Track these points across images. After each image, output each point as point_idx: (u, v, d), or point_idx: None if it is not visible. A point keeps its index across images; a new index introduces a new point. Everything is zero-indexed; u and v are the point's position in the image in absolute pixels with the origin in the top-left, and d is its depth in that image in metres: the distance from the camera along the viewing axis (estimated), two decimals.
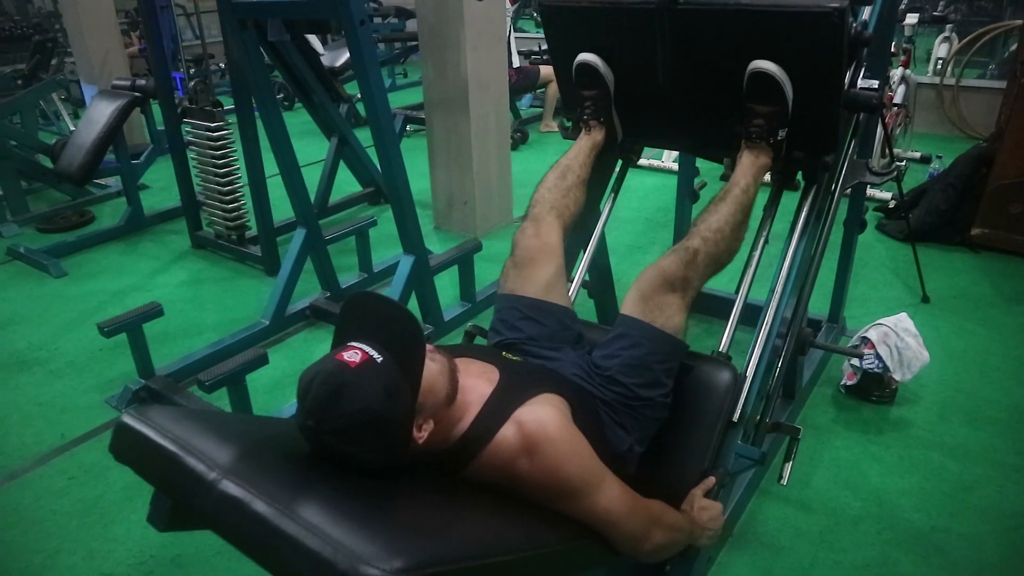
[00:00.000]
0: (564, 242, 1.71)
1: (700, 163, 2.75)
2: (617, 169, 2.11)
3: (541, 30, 10.59)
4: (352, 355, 1.05)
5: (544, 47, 6.55)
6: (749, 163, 1.64)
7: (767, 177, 1.74)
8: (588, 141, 1.87)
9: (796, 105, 1.60)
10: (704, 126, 1.85)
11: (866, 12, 1.86)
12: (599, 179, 2.01)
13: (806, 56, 1.55)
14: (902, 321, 2.42)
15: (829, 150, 1.71)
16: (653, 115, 1.90)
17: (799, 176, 1.81)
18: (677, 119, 1.88)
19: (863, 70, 1.76)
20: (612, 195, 2.11)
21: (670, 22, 1.66)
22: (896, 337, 2.37)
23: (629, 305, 1.52)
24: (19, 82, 6.27)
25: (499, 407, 1.21)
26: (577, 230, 1.99)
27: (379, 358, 1.05)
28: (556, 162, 1.84)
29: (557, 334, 1.57)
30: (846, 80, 1.66)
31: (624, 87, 1.86)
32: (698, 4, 1.62)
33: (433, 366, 1.14)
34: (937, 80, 5.46)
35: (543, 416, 1.19)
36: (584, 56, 1.83)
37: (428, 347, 1.15)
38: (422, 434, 1.13)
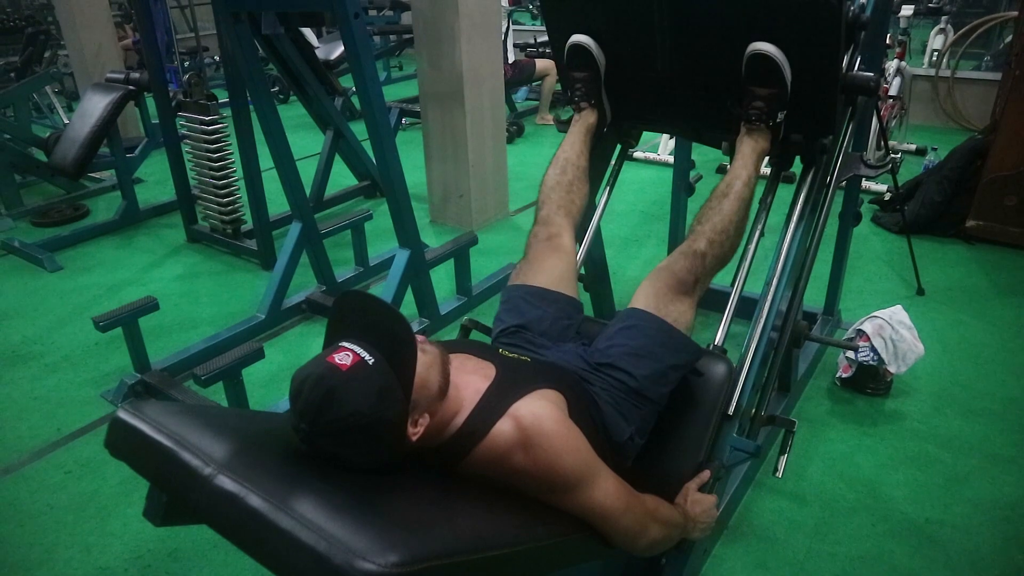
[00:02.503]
0: (574, 237, 1.76)
1: (696, 156, 2.75)
2: (616, 153, 2.12)
3: (538, 23, 10.56)
4: (343, 357, 1.04)
5: (540, 40, 6.54)
6: (749, 148, 1.66)
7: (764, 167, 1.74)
8: (581, 125, 1.89)
9: (794, 87, 1.61)
10: (701, 109, 1.86)
11: None
12: (598, 166, 2.01)
13: (804, 39, 1.56)
14: (897, 313, 2.42)
15: (827, 132, 1.72)
16: (649, 98, 1.90)
17: (796, 161, 1.82)
18: (674, 102, 1.88)
19: (859, 55, 1.77)
20: (608, 188, 2.12)
21: (668, 6, 1.67)
22: (891, 329, 2.38)
23: (640, 300, 1.53)
24: (12, 75, 6.23)
25: (495, 402, 1.21)
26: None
27: (370, 360, 1.05)
28: (554, 156, 1.85)
29: (559, 322, 1.59)
30: (843, 64, 1.67)
31: (619, 70, 1.86)
32: None
33: (424, 358, 1.14)
34: (932, 72, 5.47)
35: (539, 411, 1.19)
36: (577, 37, 1.84)
37: (419, 338, 1.15)
38: (417, 430, 1.12)
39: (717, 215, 1.59)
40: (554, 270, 1.66)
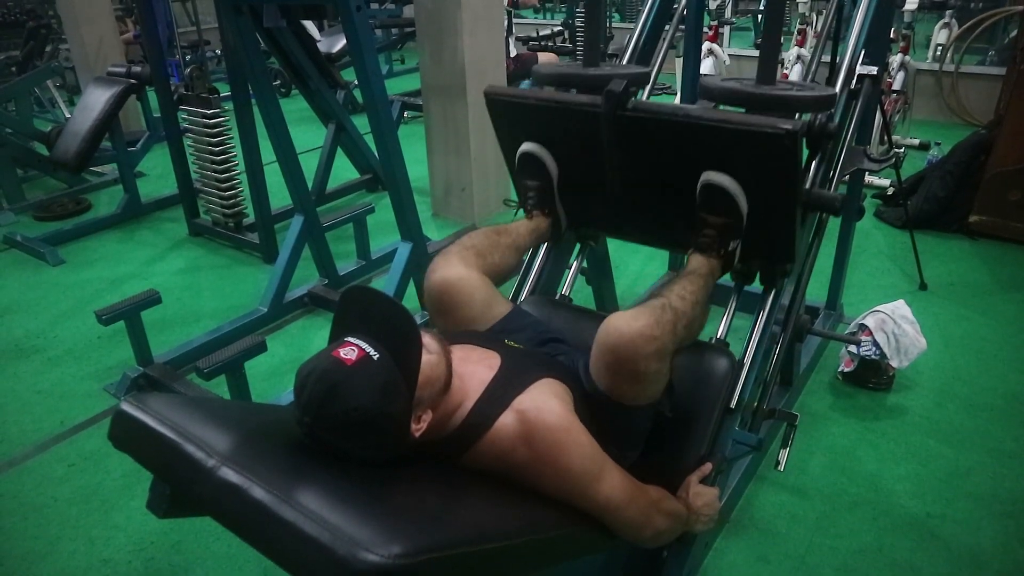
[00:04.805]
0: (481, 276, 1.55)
1: None
2: (576, 251, 2.04)
3: (541, 15, 10.47)
4: (348, 352, 1.05)
5: (543, 33, 6.52)
6: (702, 268, 1.52)
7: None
8: (531, 226, 1.78)
9: (752, 215, 1.51)
10: (654, 225, 1.79)
11: None
12: (559, 264, 1.96)
13: (759, 172, 1.47)
14: (899, 308, 2.42)
15: (785, 260, 1.64)
16: (601, 207, 1.81)
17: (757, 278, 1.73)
18: (625, 215, 1.80)
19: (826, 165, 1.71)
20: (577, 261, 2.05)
21: (617, 127, 1.56)
22: (893, 324, 2.38)
23: (595, 370, 1.32)
24: (13, 69, 6.22)
25: (499, 394, 1.21)
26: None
27: (375, 355, 1.05)
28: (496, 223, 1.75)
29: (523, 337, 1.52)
30: (808, 179, 1.62)
31: (571, 179, 1.77)
32: (646, 112, 1.52)
33: (430, 357, 1.14)
34: (936, 67, 5.45)
35: (543, 404, 1.19)
36: (527, 146, 1.75)
37: (424, 336, 1.15)
38: (420, 426, 1.13)
39: (677, 284, 1.43)
40: (474, 311, 1.51)
